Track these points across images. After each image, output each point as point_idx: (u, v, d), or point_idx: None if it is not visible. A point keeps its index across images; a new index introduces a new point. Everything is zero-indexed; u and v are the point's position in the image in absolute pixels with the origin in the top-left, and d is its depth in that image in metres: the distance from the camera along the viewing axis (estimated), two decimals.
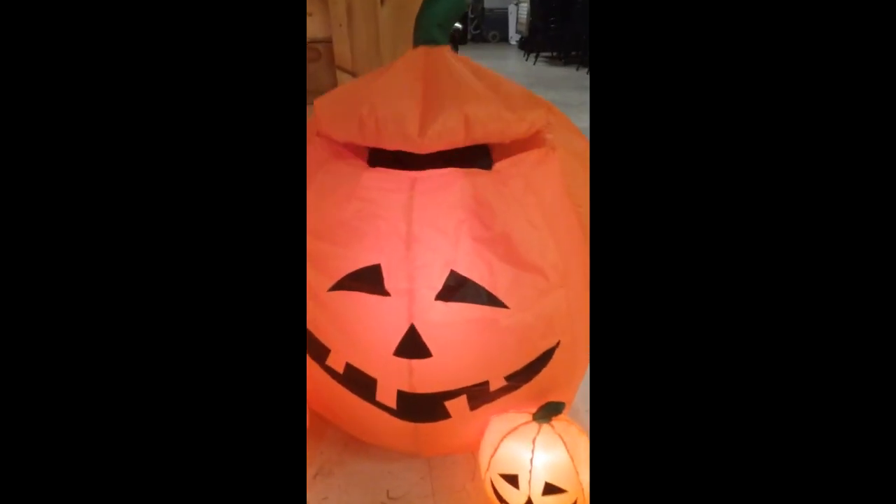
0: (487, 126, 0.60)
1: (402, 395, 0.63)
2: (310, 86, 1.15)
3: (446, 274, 0.57)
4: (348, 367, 0.63)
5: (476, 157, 0.67)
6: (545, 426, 0.64)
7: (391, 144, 0.61)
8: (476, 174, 0.58)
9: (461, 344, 0.59)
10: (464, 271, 0.57)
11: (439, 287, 0.57)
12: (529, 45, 5.71)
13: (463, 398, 0.63)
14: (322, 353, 0.65)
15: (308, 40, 1.12)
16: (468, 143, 0.61)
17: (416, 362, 0.59)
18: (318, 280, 0.60)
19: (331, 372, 0.65)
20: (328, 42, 1.11)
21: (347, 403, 0.67)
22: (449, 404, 0.64)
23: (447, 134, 0.59)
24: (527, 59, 5.45)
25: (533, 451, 0.62)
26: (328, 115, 0.66)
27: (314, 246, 0.60)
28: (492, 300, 0.58)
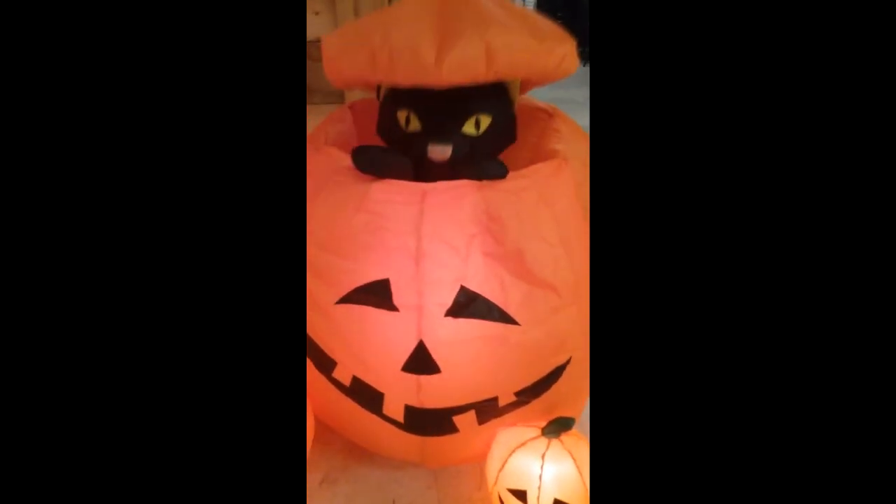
0: (512, 56, 0.56)
1: (409, 410, 0.62)
2: (314, 85, 1.14)
3: (456, 290, 0.55)
4: (355, 380, 0.62)
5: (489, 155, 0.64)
6: (554, 441, 0.63)
7: (406, 77, 0.56)
8: (488, 187, 0.57)
9: (471, 360, 0.58)
10: (475, 287, 0.56)
11: (449, 303, 0.56)
12: None
13: (471, 413, 0.62)
14: (328, 366, 0.64)
15: (314, 39, 1.10)
16: (490, 76, 0.56)
17: (424, 378, 0.58)
18: (324, 292, 0.59)
19: (337, 384, 0.64)
20: None
21: (353, 415, 0.66)
22: (457, 419, 0.63)
23: (467, 64, 0.54)
24: None
25: (542, 467, 0.61)
26: (336, 50, 0.61)
27: (321, 258, 0.59)
28: (503, 317, 0.56)
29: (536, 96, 0.77)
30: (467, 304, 0.56)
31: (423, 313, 0.56)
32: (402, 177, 0.59)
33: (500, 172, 0.58)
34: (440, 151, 0.61)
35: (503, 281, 0.56)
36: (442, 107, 0.60)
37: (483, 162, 0.59)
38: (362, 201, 0.57)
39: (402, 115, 0.63)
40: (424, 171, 0.62)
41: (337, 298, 0.58)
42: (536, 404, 0.64)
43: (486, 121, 0.63)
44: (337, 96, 1.16)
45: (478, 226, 0.56)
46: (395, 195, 0.56)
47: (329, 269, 0.58)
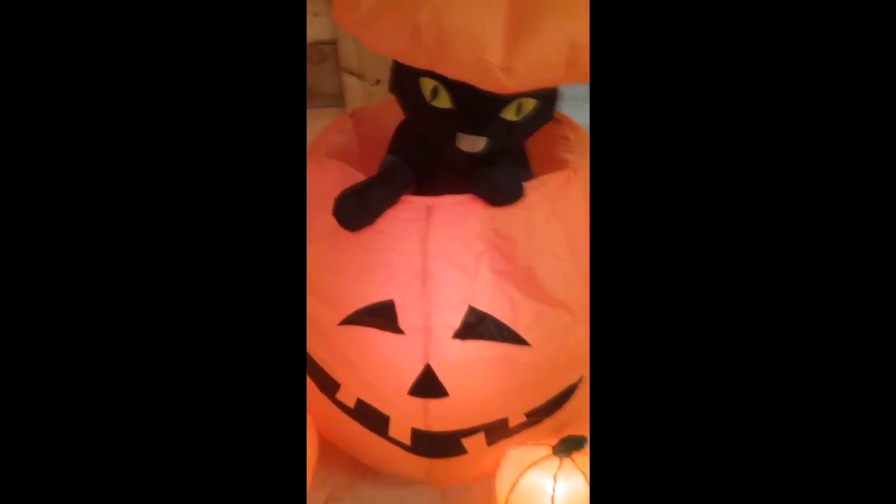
0: None
1: (416, 433, 0.59)
2: (315, 88, 1.11)
3: (465, 310, 0.53)
4: (359, 402, 0.60)
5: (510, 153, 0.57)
6: (566, 460, 0.61)
7: (456, 72, 0.45)
8: None
9: (480, 382, 0.55)
10: (483, 307, 0.53)
11: (457, 325, 0.53)
12: None
13: (480, 435, 0.60)
14: (332, 388, 0.61)
15: (313, 41, 1.08)
16: (567, 80, 0.47)
17: (431, 401, 0.56)
18: (326, 313, 0.56)
19: (341, 406, 0.62)
20: (333, 43, 1.06)
21: (358, 436, 0.64)
22: (466, 441, 0.60)
23: (543, 68, 0.43)
24: None
25: (554, 487, 0.60)
26: (367, 9, 0.47)
27: (323, 278, 0.56)
28: (513, 337, 0.54)
29: None
30: (476, 325, 0.53)
31: (430, 336, 0.53)
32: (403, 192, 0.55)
33: (514, 193, 0.52)
34: (472, 143, 0.51)
35: (513, 300, 0.53)
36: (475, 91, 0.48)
37: (501, 174, 0.53)
38: None
39: (427, 84, 0.51)
40: (435, 165, 0.55)
41: (340, 320, 0.56)
42: (547, 422, 0.62)
43: (529, 105, 0.52)
44: (338, 99, 1.14)
45: (486, 243, 0.53)
46: (400, 212, 0.53)
47: (331, 290, 0.56)
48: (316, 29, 1.06)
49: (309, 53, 1.09)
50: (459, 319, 0.53)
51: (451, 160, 0.55)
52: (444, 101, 0.51)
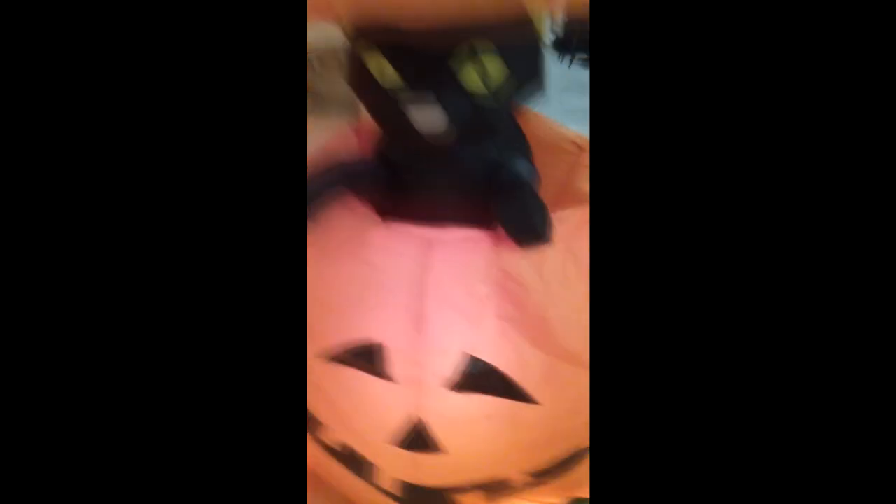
0: None
1: (405, 486, 0.53)
2: (327, 95, 1.08)
3: (464, 361, 0.46)
4: (344, 446, 0.54)
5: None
6: None
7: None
8: (507, 238, 0.48)
9: (478, 440, 0.49)
10: (486, 358, 0.47)
11: (455, 376, 0.47)
12: (564, 47, 5.53)
13: (478, 493, 0.54)
14: (313, 425, 0.55)
15: (330, 48, 1.04)
16: None
17: (423, 455, 0.49)
18: (310, 348, 0.50)
19: (324, 446, 0.56)
20: None
21: (345, 479, 0.57)
22: (460, 498, 0.54)
23: None
24: (562, 62, 5.28)
25: None
26: None
27: (308, 309, 0.50)
28: (518, 393, 0.47)
29: None
30: (476, 378, 0.47)
31: (423, 386, 0.47)
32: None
33: (545, 233, 0.45)
34: (429, 118, 0.43)
35: (520, 351, 0.47)
36: (423, 45, 0.41)
37: (528, 206, 0.46)
38: (358, 248, 0.48)
39: (373, 62, 0.44)
40: (426, 172, 0.50)
41: (323, 356, 0.49)
42: (554, 483, 0.55)
43: (494, 68, 0.43)
44: (352, 107, 1.10)
45: (492, 285, 0.46)
46: (397, 244, 0.47)
47: (316, 323, 0.49)
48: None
49: (324, 58, 1.06)
50: (458, 370, 0.47)
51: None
52: (393, 79, 0.44)
